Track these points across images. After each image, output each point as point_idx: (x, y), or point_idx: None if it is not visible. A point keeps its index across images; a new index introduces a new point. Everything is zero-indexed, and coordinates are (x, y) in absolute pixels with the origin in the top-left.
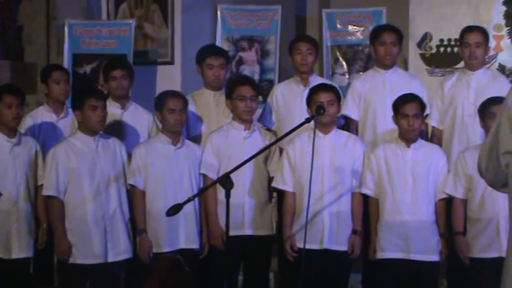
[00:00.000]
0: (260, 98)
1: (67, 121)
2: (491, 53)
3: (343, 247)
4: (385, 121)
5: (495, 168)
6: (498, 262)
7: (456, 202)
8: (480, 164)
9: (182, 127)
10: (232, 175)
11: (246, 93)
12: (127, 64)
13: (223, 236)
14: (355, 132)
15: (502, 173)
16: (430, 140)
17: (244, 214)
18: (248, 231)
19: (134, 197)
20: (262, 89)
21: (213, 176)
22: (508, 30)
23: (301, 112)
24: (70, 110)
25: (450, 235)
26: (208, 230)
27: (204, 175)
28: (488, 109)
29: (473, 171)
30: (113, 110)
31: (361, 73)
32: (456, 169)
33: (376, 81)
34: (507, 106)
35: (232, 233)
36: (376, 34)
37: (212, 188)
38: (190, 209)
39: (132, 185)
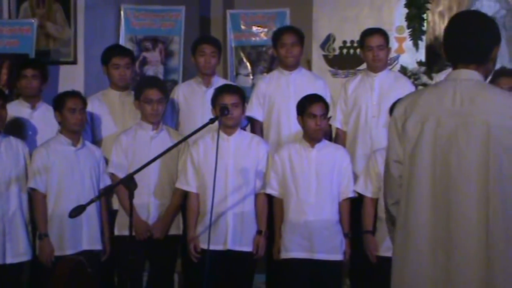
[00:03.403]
0: None
1: None
2: (393, 55)
3: (247, 247)
4: (289, 122)
5: (387, 180)
6: None
7: (367, 201)
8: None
9: (82, 127)
10: (138, 176)
11: (153, 96)
12: (40, 64)
13: (147, 230)
14: (259, 132)
15: (394, 185)
16: (334, 141)
17: (149, 215)
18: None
19: (35, 200)
20: (166, 89)
21: (121, 176)
22: (409, 32)
23: (203, 113)
24: None
25: (354, 234)
26: (110, 232)
27: (113, 175)
28: None
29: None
30: (23, 109)
31: (265, 74)
32: (367, 168)
33: (280, 82)
34: (394, 118)
35: None
36: (277, 36)
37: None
38: (92, 211)
39: (32, 188)
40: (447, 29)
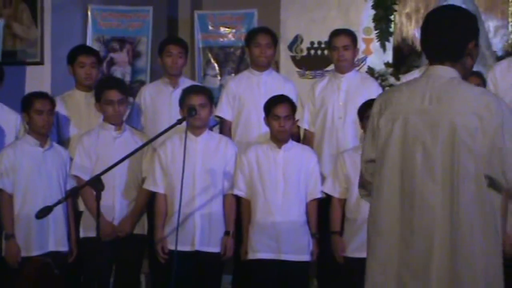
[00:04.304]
0: (131, 99)
1: None
2: (361, 56)
3: (215, 248)
4: (259, 123)
5: (361, 177)
6: None
7: (334, 201)
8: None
9: (49, 129)
10: (104, 176)
11: (113, 97)
12: None
13: (114, 231)
14: (228, 132)
15: (366, 183)
16: (302, 142)
17: (115, 216)
18: (120, 232)
19: (2, 201)
20: (134, 90)
21: (85, 177)
22: (377, 33)
23: (170, 114)
24: None
25: (321, 235)
26: (76, 233)
27: (77, 177)
28: (366, 112)
29: (351, 172)
30: None
31: (233, 74)
32: (334, 169)
33: (251, 82)
34: (371, 115)
35: None
36: (251, 36)
37: (89, 189)
38: (59, 212)
39: None
40: (422, 26)
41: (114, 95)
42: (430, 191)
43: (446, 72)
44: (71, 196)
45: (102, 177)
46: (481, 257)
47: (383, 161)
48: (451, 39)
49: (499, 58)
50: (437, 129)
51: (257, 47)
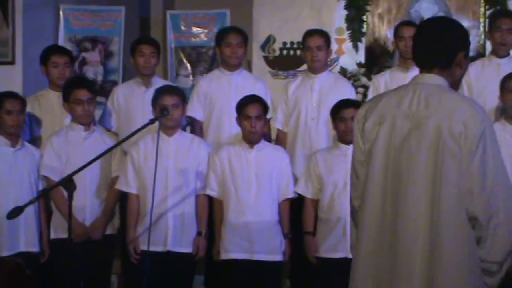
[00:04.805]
0: (103, 99)
1: None
2: (333, 56)
3: (187, 248)
4: (230, 122)
5: (353, 180)
6: (344, 262)
7: (307, 202)
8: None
9: (20, 129)
10: (75, 177)
11: (82, 97)
12: None
13: (84, 229)
14: (200, 133)
15: (359, 185)
16: (275, 142)
17: (86, 216)
18: (91, 233)
19: None
20: (106, 90)
21: (55, 178)
22: (349, 33)
23: (143, 113)
24: None
25: (294, 235)
26: (48, 234)
27: (46, 178)
28: (339, 113)
29: (323, 172)
30: None
31: (205, 74)
32: (307, 169)
33: (222, 82)
34: (356, 119)
35: None
36: (221, 36)
37: (59, 190)
38: (30, 212)
39: None
40: (415, 35)
41: (83, 94)
42: (413, 195)
43: (433, 80)
44: (43, 196)
45: (73, 177)
46: (460, 264)
47: (370, 163)
48: (441, 47)
49: (471, 59)
50: (422, 132)
51: (228, 47)
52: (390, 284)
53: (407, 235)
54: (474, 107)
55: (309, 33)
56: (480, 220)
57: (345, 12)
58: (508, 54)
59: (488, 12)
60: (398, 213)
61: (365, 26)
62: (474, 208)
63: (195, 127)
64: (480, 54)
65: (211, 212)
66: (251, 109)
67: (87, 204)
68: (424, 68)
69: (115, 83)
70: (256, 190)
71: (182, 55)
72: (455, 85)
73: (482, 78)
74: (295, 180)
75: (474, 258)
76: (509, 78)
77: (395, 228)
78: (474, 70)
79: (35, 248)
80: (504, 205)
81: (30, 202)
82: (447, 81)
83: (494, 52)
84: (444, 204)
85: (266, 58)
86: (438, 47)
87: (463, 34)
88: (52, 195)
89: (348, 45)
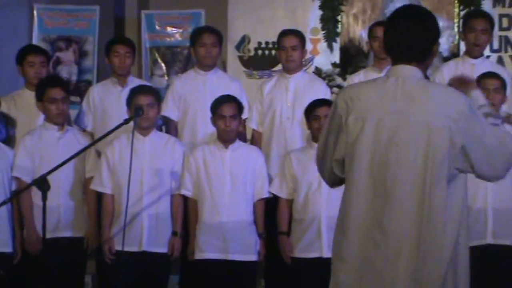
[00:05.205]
0: (78, 99)
1: None
2: (308, 56)
3: (162, 248)
4: (205, 122)
5: (328, 171)
6: (318, 262)
7: (281, 202)
8: (317, 166)
9: None
10: (48, 177)
11: (57, 95)
12: None
13: (39, 241)
14: (174, 132)
15: (336, 176)
16: (250, 142)
17: (60, 216)
18: (65, 233)
19: None
20: (80, 89)
21: (26, 179)
22: (324, 34)
23: (119, 113)
24: None
25: (269, 234)
26: (21, 235)
27: (18, 178)
28: (313, 112)
29: (298, 172)
30: None
31: (180, 74)
32: (282, 169)
33: (196, 82)
34: (337, 113)
35: (49, 235)
36: (196, 36)
37: (26, 191)
38: (3, 213)
39: None
40: (388, 25)
41: (57, 93)
42: (403, 192)
43: (413, 72)
44: (16, 196)
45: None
46: (450, 264)
47: (353, 161)
48: (420, 41)
49: (445, 59)
50: (411, 129)
51: (202, 47)
52: (373, 281)
53: (396, 233)
54: (457, 96)
55: (284, 33)
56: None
57: (320, 12)
58: (482, 55)
59: (462, 13)
60: (387, 211)
61: (339, 26)
62: (496, 169)
63: (170, 127)
64: (454, 55)
65: (186, 212)
66: (225, 108)
67: (61, 205)
68: (402, 60)
69: (89, 83)
70: (230, 190)
71: (157, 55)
72: (425, 73)
73: None
74: (270, 180)
75: (466, 258)
76: (484, 77)
77: (383, 225)
78: (448, 70)
79: (7, 249)
80: None
81: (3, 203)
82: (422, 72)
83: (468, 53)
84: (434, 200)
85: (241, 58)
86: (416, 41)
87: (436, 23)
88: (19, 197)
89: (323, 45)
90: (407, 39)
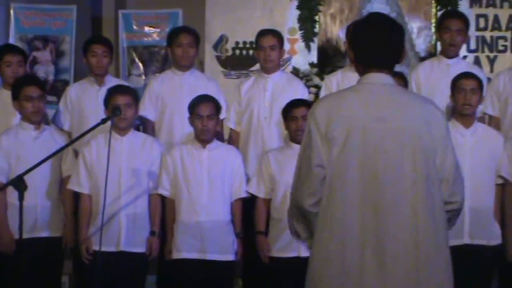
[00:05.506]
0: (55, 98)
1: None
2: (286, 56)
3: (140, 248)
4: (182, 122)
5: (311, 181)
6: (296, 262)
7: (259, 201)
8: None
9: None
10: (25, 176)
11: (33, 93)
12: None
13: (13, 241)
14: (152, 132)
15: (318, 185)
16: (228, 142)
17: (37, 216)
18: (42, 233)
19: None
20: (57, 89)
21: (2, 179)
22: (301, 33)
23: (97, 112)
24: None
25: (247, 234)
26: None
27: None
28: (290, 112)
29: (276, 171)
30: None
31: (157, 74)
32: (259, 169)
33: (173, 82)
34: (316, 122)
35: (26, 235)
36: (173, 36)
37: (1, 192)
38: None
39: None
40: (359, 32)
41: (33, 91)
42: (396, 198)
43: (388, 79)
44: None
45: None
46: (442, 258)
47: (342, 168)
48: (393, 49)
49: (422, 59)
50: (397, 136)
51: (179, 47)
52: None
53: (394, 238)
54: (434, 105)
55: (262, 33)
56: (460, 205)
57: (297, 12)
58: (457, 55)
59: (440, 13)
60: (381, 217)
61: (317, 26)
62: (455, 196)
63: (147, 127)
64: (432, 55)
65: (164, 212)
66: (203, 108)
67: (37, 204)
68: (374, 67)
69: (66, 83)
70: (208, 189)
71: (134, 54)
72: None
73: (432, 78)
74: (248, 179)
75: (449, 260)
76: (460, 78)
77: (377, 232)
78: (423, 70)
79: None
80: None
81: None
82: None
83: (444, 53)
84: (424, 204)
85: (218, 58)
86: (391, 51)
87: (404, 33)
88: None
89: (300, 45)
90: (382, 48)
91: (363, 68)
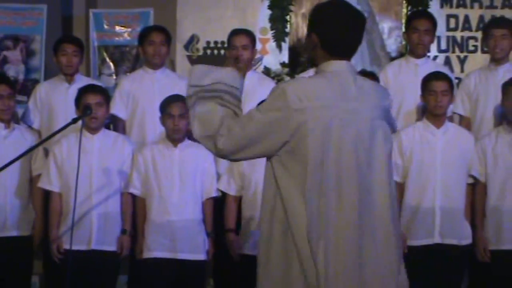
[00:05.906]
0: (25, 98)
1: None
2: (257, 56)
3: (111, 247)
4: (154, 122)
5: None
6: None
7: (229, 198)
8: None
9: None
10: None
11: (2, 92)
12: None
13: None
14: (122, 131)
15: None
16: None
17: (6, 215)
18: (12, 232)
19: None
20: (27, 88)
21: None
22: (273, 33)
23: (66, 110)
24: None
25: (218, 233)
26: None
27: None
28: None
29: (246, 169)
30: None
31: (128, 74)
32: (230, 166)
33: (144, 81)
34: (287, 105)
35: None
36: (144, 34)
37: None
38: None
39: None
40: (326, 17)
41: (3, 89)
42: (378, 188)
43: (351, 67)
44: None
45: None
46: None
47: (322, 164)
48: (357, 38)
49: (392, 59)
50: (370, 125)
51: (151, 45)
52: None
53: (380, 233)
54: (385, 89)
55: (235, 32)
56: None
57: (269, 12)
58: (425, 55)
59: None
60: (367, 211)
61: (288, 26)
62: None
63: (117, 125)
64: (402, 55)
65: (135, 211)
66: (174, 107)
67: (7, 204)
68: (337, 56)
69: (36, 82)
70: (179, 188)
71: (105, 54)
72: None
73: (400, 78)
74: (219, 177)
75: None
76: (431, 79)
77: (363, 218)
78: (391, 70)
79: None
80: None
81: None
82: None
83: (412, 53)
84: (393, 192)
85: (189, 58)
86: (355, 39)
87: (365, 19)
88: None
89: (271, 45)
90: (351, 35)
91: (326, 55)
